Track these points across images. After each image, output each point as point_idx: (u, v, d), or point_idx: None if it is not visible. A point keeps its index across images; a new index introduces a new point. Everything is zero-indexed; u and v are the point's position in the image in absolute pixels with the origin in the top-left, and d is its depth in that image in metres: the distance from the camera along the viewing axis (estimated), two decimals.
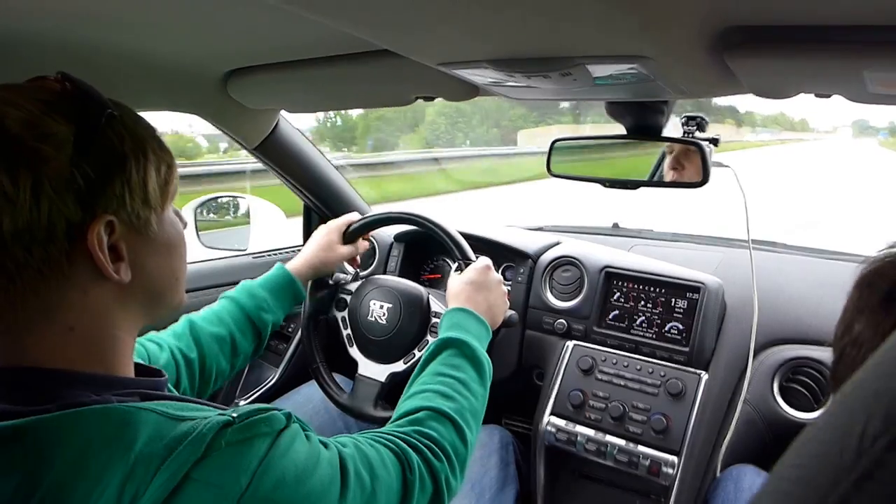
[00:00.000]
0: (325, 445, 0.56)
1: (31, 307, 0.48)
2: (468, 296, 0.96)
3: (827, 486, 0.19)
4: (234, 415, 0.48)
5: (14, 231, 0.45)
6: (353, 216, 1.16)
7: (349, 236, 1.14)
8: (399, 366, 1.10)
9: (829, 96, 0.63)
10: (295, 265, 1.06)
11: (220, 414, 0.49)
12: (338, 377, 1.20)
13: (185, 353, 0.86)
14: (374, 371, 1.12)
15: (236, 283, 1.40)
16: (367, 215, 1.16)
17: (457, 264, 1.06)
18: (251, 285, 0.99)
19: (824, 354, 1.09)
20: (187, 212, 1.48)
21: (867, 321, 0.35)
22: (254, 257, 1.51)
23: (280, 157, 1.41)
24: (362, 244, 1.18)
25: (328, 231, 1.13)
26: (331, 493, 0.52)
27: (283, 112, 1.34)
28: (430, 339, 1.09)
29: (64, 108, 0.48)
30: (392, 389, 1.10)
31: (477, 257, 1.05)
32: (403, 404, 0.77)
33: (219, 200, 1.59)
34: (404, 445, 0.66)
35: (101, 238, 0.49)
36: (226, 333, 0.91)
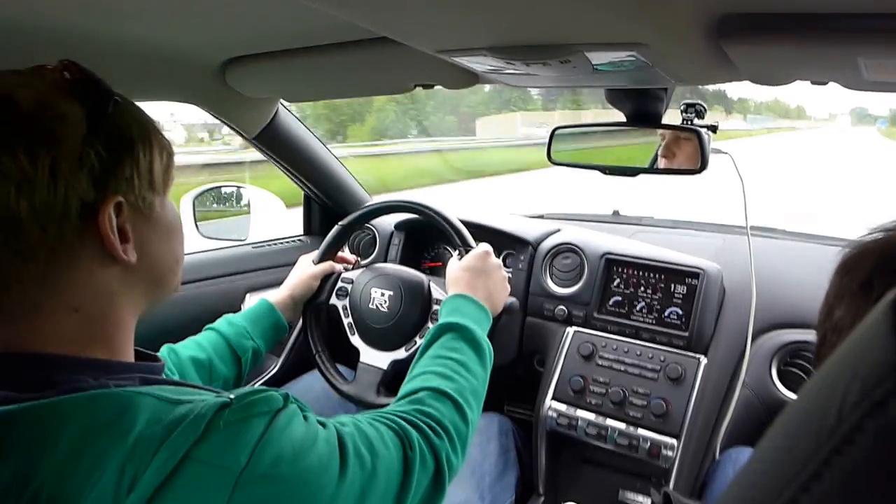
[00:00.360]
0: (324, 425, 0.57)
1: (40, 288, 0.48)
2: (467, 282, 0.96)
3: (810, 451, 0.20)
4: (232, 396, 0.49)
5: (31, 210, 0.45)
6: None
7: (320, 261, 1.19)
8: (401, 353, 1.11)
9: (825, 83, 0.64)
10: (275, 296, 1.10)
11: (217, 396, 0.49)
12: (340, 367, 1.21)
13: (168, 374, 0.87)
14: (376, 358, 1.13)
15: (236, 273, 1.42)
16: (326, 240, 1.21)
17: (458, 251, 1.07)
18: (231, 315, 1.02)
19: None
20: (186, 202, 1.48)
21: (847, 308, 0.35)
22: (253, 247, 1.52)
23: (279, 147, 1.41)
24: (336, 263, 1.22)
25: (301, 261, 1.20)
26: (329, 470, 0.52)
27: (281, 101, 1.34)
28: (431, 325, 1.10)
29: (73, 90, 0.49)
30: (394, 377, 1.11)
31: (477, 244, 1.06)
32: (403, 388, 0.78)
33: (217, 190, 1.58)
34: (404, 424, 0.66)
35: (111, 219, 0.50)
36: (204, 358, 0.92)
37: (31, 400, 0.45)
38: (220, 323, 1.00)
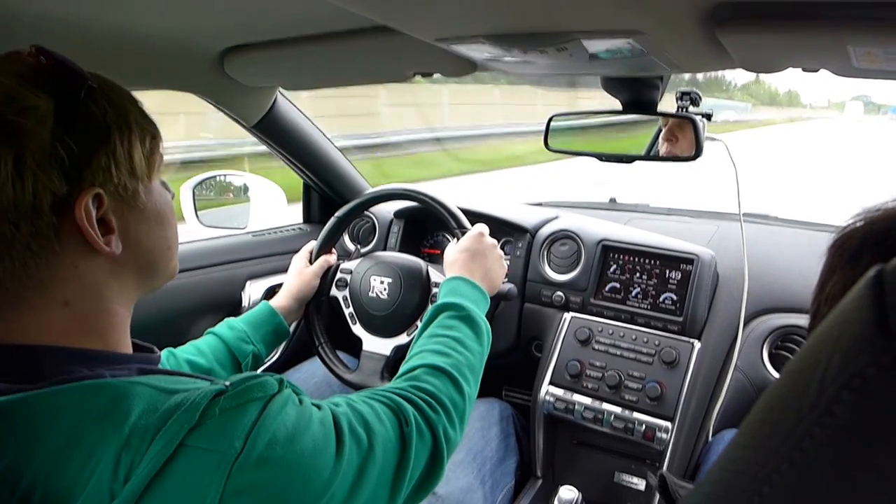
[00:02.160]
0: (319, 407, 0.56)
1: (23, 284, 0.48)
2: (463, 263, 0.97)
3: (792, 424, 0.21)
4: (227, 383, 0.49)
5: None
6: (312, 242, 1.23)
7: (315, 258, 1.19)
8: (403, 338, 1.12)
9: (816, 71, 0.65)
10: (277, 301, 1.10)
11: (212, 384, 0.49)
12: (343, 355, 1.22)
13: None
14: (378, 346, 1.14)
15: (237, 261, 1.43)
16: (322, 232, 1.21)
17: (454, 236, 1.08)
18: (232, 320, 1.02)
19: None
20: (185, 190, 1.48)
21: (838, 279, 0.37)
22: (254, 235, 1.53)
23: (278, 136, 1.41)
24: (330, 257, 1.22)
25: (296, 261, 1.19)
26: (326, 451, 0.52)
27: (280, 90, 1.34)
28: None
29: (42, 81, 0.48)
30: (397, 362, 1.13)
31: (472, 227, 1.07)
32: (401, 368, 0.78)
33: (217, 179, 1.58)
34: (400, 400, 0.66)
35: (88, 211, 0.49)
36: (204, 362, 0.92)
37: (24, 391, 0.45)
38: (221, 327, 1.00)
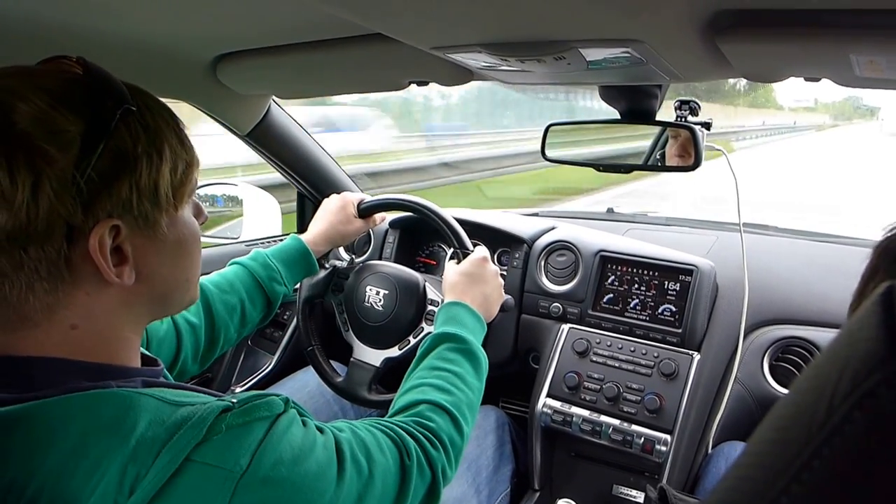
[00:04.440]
0: (322, 430, 0.57)
1: (30, 305, 0.47)
2: (464, 288, 0.97)
3: (801, 442, 0.21)
4: (234, 400, 0.49)
5: (9, 230, 0.43)
6: (363, 194, 1.18)
7: (363, 211, 1.13)
8: (394, 351, 1.11)
9: (818, 80, 0.65)
10: (310, 237, 1.06)
11: (219, 400, 0.49)
12: (333, 362, 1.22)
13: (188, 319, 0.85)
14: (369, 355, 1.13)
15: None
16: (379, 197, 1.15)
17: (452, 251, 1.07)
18: (264, 255, 0.98)
19: (812, 334, 1.12)
20: None
21: (879, 280, 0.35)
22: (247, 245, 1.51)
23: (272, 144, 1.40)
24: (376, 220, 1.17)
25: (344, 203, 1.12)
26: (328, 475, 0.53)
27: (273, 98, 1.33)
28: (426, 325, 1.11)
29: (76, 100, 0.46)
30: (386, 374, 1.12)
31: (475, 246, 1.06)
32: (400, 399, 0.78)
33: (210, 188, 1.57)
34: (402, 433, 0.67)
35: (103, 242, 0.47)
36: (236, 301, 0.91)
37: (30, 401, 0.45)
38: (253, 262, 0.97)
